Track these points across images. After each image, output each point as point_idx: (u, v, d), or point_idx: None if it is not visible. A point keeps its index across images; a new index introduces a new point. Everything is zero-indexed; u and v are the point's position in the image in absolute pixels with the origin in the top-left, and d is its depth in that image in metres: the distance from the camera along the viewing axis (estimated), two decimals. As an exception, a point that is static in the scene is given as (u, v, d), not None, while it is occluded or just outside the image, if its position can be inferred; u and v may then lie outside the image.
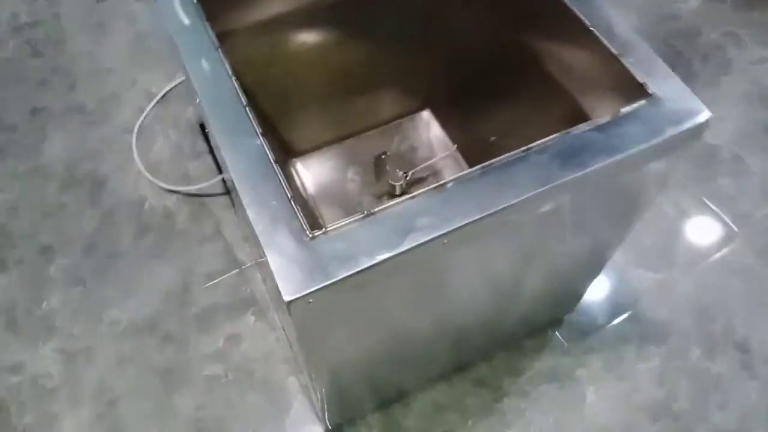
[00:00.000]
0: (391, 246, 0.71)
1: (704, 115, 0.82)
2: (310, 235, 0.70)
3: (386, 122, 1.46)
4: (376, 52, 1.27)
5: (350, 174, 1.39)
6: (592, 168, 0.77)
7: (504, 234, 0.83)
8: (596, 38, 0.90)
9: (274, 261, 0.69)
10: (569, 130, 0.80)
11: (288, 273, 0.68)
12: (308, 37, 1.20)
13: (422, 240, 0.71)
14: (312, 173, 1.40)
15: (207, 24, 0.89)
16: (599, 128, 0.80)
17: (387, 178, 1.33)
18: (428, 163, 1.37)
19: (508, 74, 1.14)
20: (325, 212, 1.34)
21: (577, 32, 0.92)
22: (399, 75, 1.34)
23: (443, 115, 1.46)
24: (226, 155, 0.78)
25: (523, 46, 1.07)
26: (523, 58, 1.07)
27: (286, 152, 1.40)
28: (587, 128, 0.80)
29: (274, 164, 0.76)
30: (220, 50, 0.86)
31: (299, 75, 1.24)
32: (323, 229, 0.72)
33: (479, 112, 1.29)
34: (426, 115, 1.48)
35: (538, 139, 0.79)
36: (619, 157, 0.79)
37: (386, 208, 0.73)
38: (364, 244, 0.71)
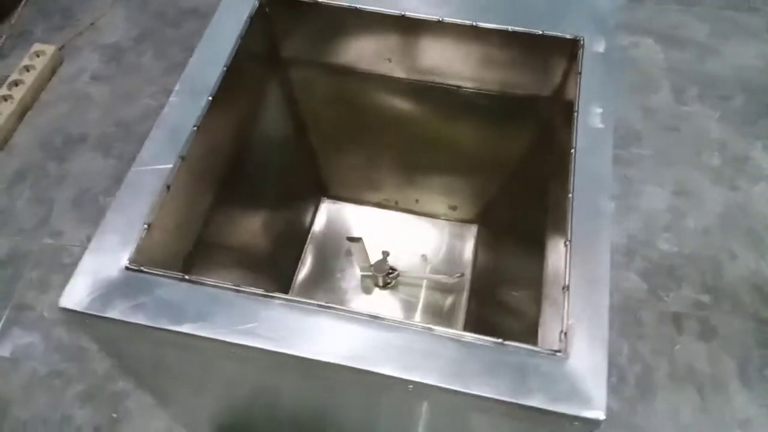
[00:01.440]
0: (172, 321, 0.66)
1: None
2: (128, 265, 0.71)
3: (424, 214, 1.36)
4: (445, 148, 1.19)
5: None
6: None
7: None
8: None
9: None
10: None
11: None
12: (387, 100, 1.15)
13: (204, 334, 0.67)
14: (328, 219, 1.35)
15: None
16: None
17: (379, 263, 1.22)
18: (423, 275, 1.23)
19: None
20: (308, 259, 1.29)
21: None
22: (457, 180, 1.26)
23: (484, 237, 1.31)
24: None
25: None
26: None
27: (322, 189, 1.38)
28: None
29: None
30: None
31: (366, 127, 1.19)
32: (140, 268, 0.71)
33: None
34: (468, 229, 1.34)
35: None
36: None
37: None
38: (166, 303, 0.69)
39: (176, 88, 0.87)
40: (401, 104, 1.10)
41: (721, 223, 1.57)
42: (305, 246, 1.28)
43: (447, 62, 1.00)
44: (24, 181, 1.67)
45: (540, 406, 0.62)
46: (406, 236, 1.31)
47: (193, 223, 0.88)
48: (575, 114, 0.83)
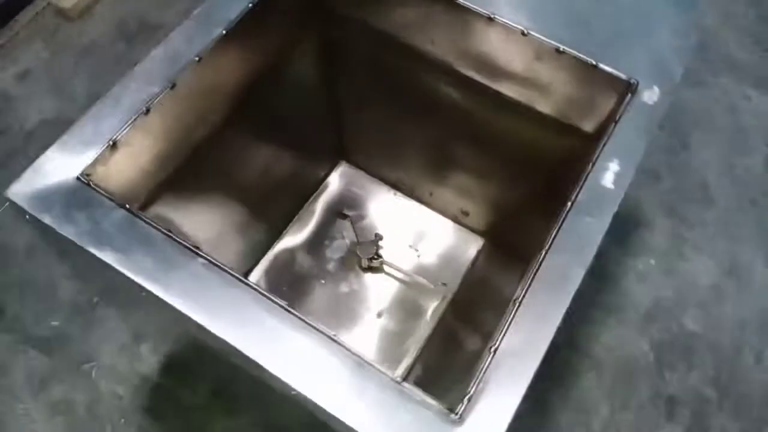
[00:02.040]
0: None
1: None
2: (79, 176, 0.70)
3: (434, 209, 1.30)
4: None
5: (356, 213, 1.26)
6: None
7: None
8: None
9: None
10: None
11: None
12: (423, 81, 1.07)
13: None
14: (339, 184, 1.31)
15: None
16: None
17: (366, 245, 1.18)
18: (404, 275, 1.18)
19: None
20: (303, 219, 1.26)
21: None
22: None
23: (486, 254, 1.23)
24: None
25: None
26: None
27: (341, 152, 1.33)
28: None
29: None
30: None
31: (398, 101, 1.13)
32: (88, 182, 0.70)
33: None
34: (473, 239, 1.27)
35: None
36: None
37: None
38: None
39: (194, 12, 0.83)
40: (437, 89, 1.02)
41: (762, 319, 1.41)
42: (305, 204, 1.24)
43: (489, 62, 0.91)
44: (91, 55, 1.72)
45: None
46: (407, 225, 1.25)
47: (175, 154, 0.86)
48: (590, 165, 0.73)
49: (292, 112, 1.08)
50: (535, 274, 0.66)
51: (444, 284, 1.14)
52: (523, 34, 0.83)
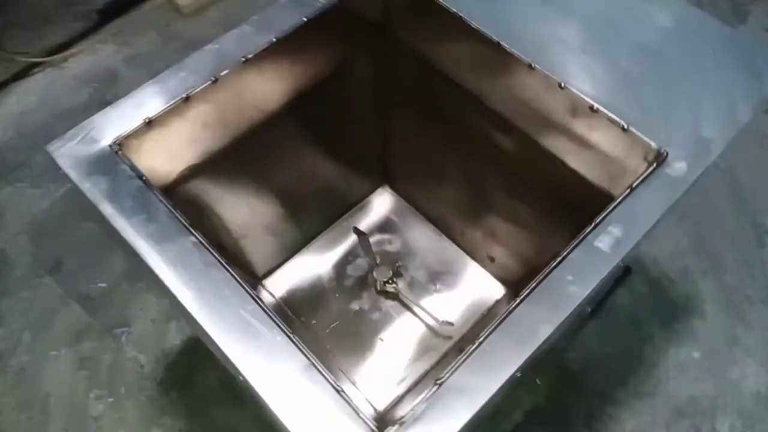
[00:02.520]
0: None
1: None
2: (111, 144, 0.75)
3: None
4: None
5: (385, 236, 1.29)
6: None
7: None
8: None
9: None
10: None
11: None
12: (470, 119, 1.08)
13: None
14: (378, 207, 1.33)
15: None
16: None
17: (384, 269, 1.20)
18: (415, 306, 1.18)
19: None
20: (337, 230, 1.30)
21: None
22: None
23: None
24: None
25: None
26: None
27: (387, 176, 1.36)
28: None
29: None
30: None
31: (444, 137, 1.15)
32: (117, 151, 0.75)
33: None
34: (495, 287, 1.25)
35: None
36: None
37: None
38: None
39: (252, 18, 0.90)
40: (479, 128, 1.02)
41: (810, 445, 1.27)
42: (339, 219, 1.27)
43: (529, 110, 0.91)
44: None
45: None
46: (433, 259, 1.25)
47: (212, 144, 0.92)
48: (590, 226, 0.71)
49: (339, 126, 1.12)
50: (503, 319, 0.65)
51: (450, 323, 1.12)
52: (560, 86, 0.83)
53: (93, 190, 0.74)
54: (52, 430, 1.33)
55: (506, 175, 1.04)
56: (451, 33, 0.93)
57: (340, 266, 1.23)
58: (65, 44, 1.87)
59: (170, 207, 0.73)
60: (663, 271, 1.52)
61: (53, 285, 1.51)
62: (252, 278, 1.19)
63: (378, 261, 1.17)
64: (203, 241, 0.71)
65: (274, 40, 0.87)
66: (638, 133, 0.78)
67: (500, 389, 0.61)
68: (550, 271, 0.68)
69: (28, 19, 1.98)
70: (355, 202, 1.30)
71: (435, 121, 1.10)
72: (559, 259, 0.69)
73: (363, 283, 1.20)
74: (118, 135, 0.78)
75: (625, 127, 0.78)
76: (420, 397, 0.61)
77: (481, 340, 0.64)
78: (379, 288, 1.17)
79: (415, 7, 0.97)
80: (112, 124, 0.80)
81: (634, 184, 0.74)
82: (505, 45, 0.86)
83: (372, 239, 1.24)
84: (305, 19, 0.89)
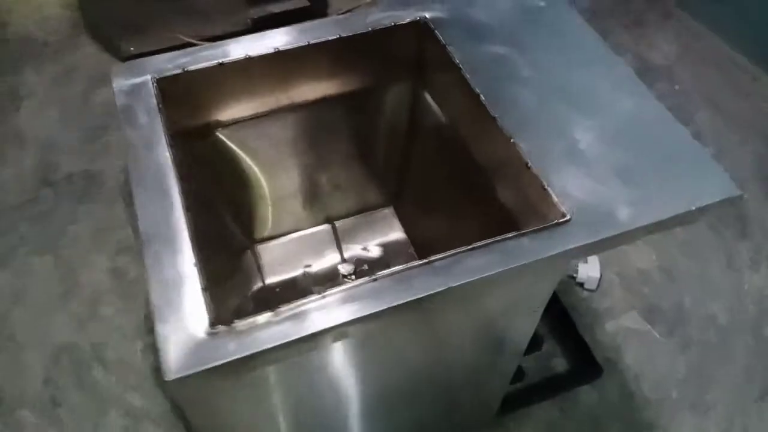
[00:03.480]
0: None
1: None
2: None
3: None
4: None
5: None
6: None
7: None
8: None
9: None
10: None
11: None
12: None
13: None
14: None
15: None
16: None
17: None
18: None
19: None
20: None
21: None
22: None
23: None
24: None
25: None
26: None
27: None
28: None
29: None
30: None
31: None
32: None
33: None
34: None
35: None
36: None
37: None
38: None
39: (338, 16, 1.11)
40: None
41: None
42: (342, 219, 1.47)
43: (494, 158, 1.03)
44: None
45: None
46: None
47: (260, 99, 1.16)
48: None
49: (362, 137, 1.31)
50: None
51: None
52: (511, 141, 0.95)
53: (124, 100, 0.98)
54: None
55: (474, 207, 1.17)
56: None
57: (321, 254, 1.40)
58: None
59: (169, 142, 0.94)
60: (641, 391, 1.50)
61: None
62: (246, 238, 1.39)
63: (346, 257, 1.32)
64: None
65: (339, 36, 1.08)
66: (553, 195, 0.87)
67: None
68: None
69: None
70: (359, 210, 1.47)
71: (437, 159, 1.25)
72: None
73: (332, 274, 1.34)
74: (163, 74, 1.02)
75: (545, 186, 0.88)
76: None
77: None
78: (345, 280, 1.31)
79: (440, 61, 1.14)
80: (165, 64, 1.04)
81: (525, 231, 0.84)
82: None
83: (357, 244, 1.39)
84: (370, 29, 1.10)
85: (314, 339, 0.76)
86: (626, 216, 0.86)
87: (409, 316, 0.82)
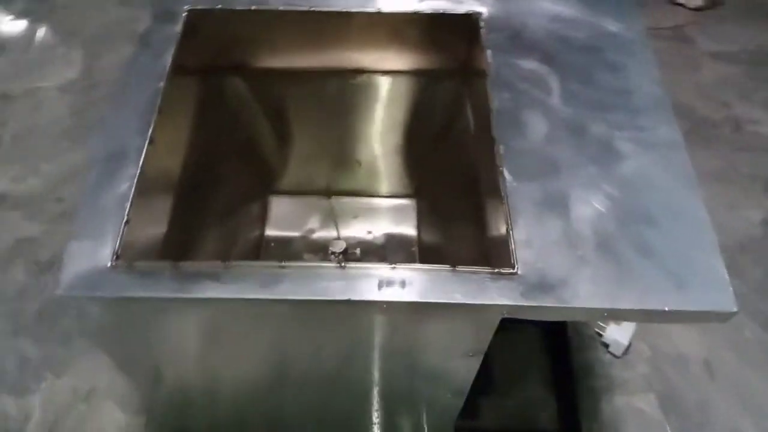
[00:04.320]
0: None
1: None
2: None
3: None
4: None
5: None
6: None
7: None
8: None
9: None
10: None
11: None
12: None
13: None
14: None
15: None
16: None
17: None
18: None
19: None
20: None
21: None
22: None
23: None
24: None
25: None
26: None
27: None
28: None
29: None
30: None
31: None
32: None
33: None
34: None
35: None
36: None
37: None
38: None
39: None
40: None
41: None
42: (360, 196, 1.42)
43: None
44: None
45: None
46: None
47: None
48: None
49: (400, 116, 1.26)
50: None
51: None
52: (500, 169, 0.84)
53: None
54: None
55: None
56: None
57: (327, 225, 1.36)
58: None
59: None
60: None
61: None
62: (262, 186, 1.40)
63: (346, 236, 1.27)
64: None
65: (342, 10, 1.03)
66: (512, 241, 0.77)
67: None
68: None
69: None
70: (381, 193, 1.42)
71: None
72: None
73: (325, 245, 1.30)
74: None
75: (509, 229, 0.78)
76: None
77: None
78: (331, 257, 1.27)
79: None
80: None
81: (462, 268, 0.75)
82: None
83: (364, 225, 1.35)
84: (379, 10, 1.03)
85: (195, 304, 0.75)
86: (580, 293, 0.74)
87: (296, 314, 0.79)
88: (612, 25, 1.01)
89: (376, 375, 0.95)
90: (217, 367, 0.97)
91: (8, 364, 1.44)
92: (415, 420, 1.12)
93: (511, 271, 0.74)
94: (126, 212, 0.80)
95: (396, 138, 1.29)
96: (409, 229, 1.36)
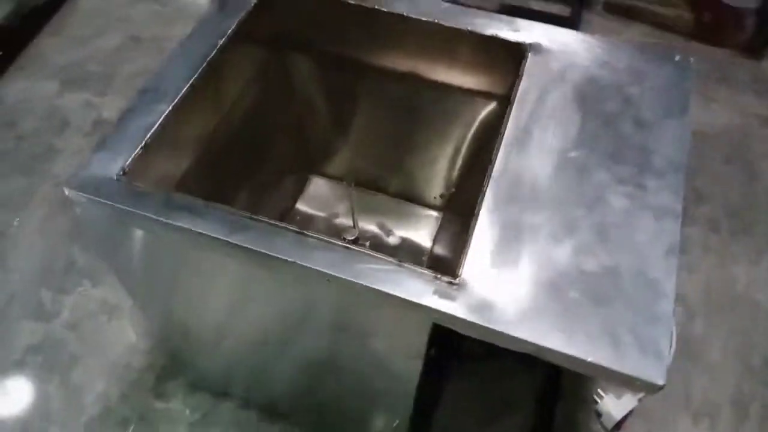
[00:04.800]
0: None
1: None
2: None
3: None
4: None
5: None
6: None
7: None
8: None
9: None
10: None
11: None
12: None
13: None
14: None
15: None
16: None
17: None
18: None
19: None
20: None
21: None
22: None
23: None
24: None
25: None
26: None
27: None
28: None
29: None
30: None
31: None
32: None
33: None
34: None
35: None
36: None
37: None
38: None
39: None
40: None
41: None
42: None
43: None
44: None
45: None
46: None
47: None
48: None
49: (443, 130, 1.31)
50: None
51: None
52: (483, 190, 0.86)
53: None
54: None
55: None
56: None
57: (350, 212, 1.42)
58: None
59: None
60: None
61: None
62: (305, 164, 1.48)
63: (355, 226, 1.32)
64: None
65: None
66: (464, 257, 0.79)
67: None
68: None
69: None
70: (411, 198, 1.45)
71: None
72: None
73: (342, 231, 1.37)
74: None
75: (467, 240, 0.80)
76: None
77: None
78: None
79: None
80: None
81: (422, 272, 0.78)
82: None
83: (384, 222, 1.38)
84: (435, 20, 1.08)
85: (171, 230, 0.83)
86: (511, 319, 0.74)
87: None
88: (658, 80, 1.00)
89: (327, 350, 1.00)
90: (194, 305, 1.06)
91: (56, 264, 1.63)
92: (366, 413, 1.15)
93: (452, 280, 0.76)
94: (145, 138, 0.91)
95: (438, 151, 1.33)
96: (425, 239, 1.39)
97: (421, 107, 1.25)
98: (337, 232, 1.36)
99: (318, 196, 1.44)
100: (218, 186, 1.14)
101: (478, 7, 1.12)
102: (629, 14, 2.27)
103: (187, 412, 1.37)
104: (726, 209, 1.78)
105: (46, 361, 1.46)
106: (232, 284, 0.97)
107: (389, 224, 1.40)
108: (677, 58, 1.03)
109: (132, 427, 1.36)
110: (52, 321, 1.52)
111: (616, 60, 1.03)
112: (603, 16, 2.31)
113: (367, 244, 1.35)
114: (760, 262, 1.67)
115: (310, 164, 1.50)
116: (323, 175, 1.49)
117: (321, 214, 1.42)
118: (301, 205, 1.44)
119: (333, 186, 1.46)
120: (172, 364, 1.41)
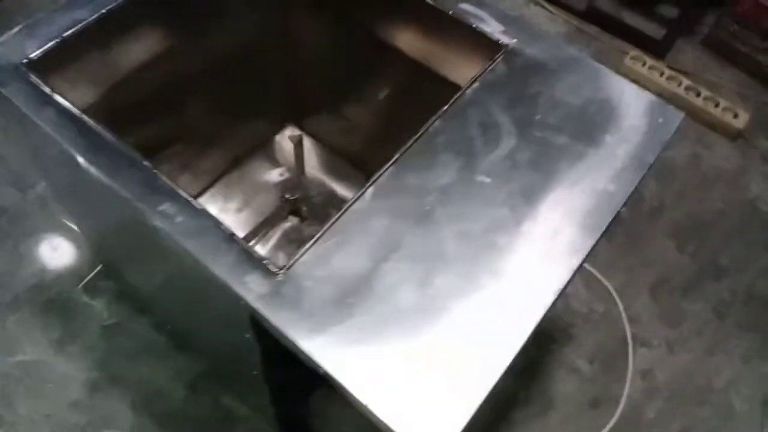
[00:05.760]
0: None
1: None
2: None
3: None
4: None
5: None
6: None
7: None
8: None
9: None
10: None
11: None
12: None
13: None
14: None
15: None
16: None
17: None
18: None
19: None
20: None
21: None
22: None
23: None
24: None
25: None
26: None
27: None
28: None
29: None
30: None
31: None
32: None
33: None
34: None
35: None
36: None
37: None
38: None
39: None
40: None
41: None
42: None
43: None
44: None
45: None
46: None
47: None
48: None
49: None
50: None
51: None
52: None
53: None
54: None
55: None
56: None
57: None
58: None
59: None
60: None
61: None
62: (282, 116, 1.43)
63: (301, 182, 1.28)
64: None
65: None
66: (306, 246, 0.71)
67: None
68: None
69: None
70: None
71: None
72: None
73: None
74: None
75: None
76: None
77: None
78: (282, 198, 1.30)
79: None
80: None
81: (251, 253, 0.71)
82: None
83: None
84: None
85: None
86: (303, 328, 0.67)
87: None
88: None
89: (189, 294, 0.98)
90: (100, 213, 1.05)
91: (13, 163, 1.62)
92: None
93: (277, 270, 0.69)
94: (66, 33, 0.87)
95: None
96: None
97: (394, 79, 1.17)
98: (286, 187, 1.32)
99: (289, 151, 1.39)
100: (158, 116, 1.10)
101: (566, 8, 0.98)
102: (727, 55, 2.00)
103: (105, 314, 1.39)
104: (742, 294, 1.57)
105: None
106: (108, 204, 0.92)
107: (340, 188, 1.34)
108: (660, 120, 0.87)
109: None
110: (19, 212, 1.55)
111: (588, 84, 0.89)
112: (699, 49, 2.05)
113: (304, 208, 1.29)
114: (751, 361, 1.46)
115: (286, 114, 1.45)
116: (300, 128, 1.43)
117: (278, 168, 1.38)
118: (261, 153, 1.40)
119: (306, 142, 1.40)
120: (107, 269, 1.42)
